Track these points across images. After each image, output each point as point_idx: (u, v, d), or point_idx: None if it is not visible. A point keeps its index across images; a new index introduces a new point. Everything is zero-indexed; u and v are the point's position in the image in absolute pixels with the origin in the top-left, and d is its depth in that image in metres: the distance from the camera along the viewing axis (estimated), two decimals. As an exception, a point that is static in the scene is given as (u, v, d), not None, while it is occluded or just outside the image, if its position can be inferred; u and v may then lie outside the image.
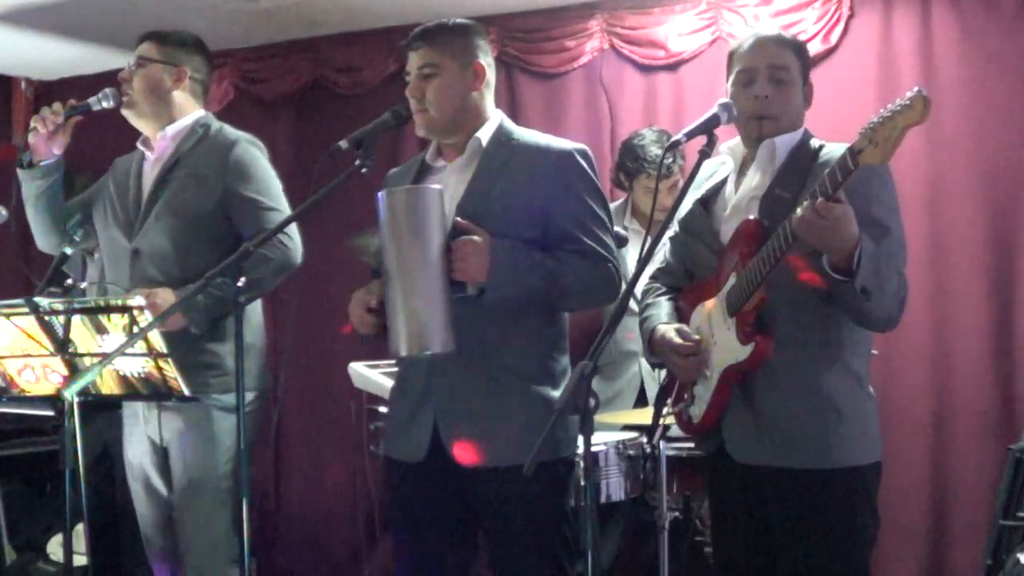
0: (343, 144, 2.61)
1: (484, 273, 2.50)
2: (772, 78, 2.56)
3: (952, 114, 4.01)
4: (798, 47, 2.63)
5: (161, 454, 3.16)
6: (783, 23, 4.24)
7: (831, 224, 2.24)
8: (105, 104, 3.19)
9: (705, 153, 2.46)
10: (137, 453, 3.21)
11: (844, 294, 2.35)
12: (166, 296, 2.94)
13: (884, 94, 4.17)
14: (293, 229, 3.06)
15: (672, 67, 4.55)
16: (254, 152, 3.17)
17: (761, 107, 2.55)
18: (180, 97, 3.23)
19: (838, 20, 4.24)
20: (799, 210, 2.28)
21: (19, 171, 3.25)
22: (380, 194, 2.54)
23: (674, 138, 2.52)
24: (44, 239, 3.39)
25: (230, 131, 3.22)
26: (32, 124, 3.19)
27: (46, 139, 3.19)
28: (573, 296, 2.63)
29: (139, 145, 3.27)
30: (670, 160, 3.95)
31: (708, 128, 2.49)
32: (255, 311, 3.23)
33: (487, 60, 2.71)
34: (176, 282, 3.03)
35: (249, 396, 3.11)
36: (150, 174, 3.21)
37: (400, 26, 4.86)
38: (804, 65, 2.61)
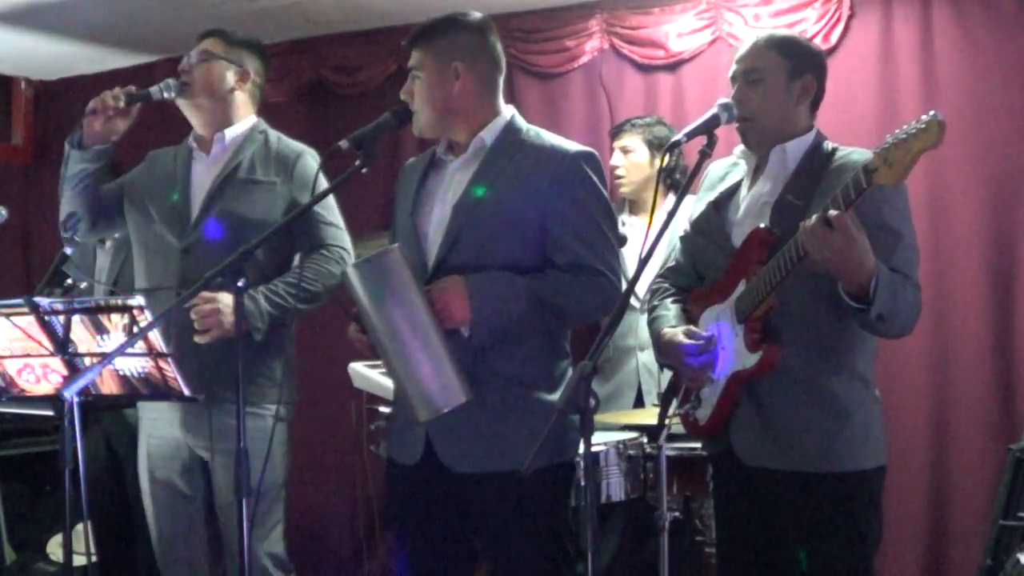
0: (343, 144, 2.60)
1: (467, 313, 2.49)
2: (747, 80, 2.58)
3: (952, 114, 4.00)
4: (785, 45, 2.60)
5: (195, 461, 3.09)
6: (783, 23, 4.24)
7: (840, 239, 2.24)
8: (167, 95, 3.09)
9: (705, 153, 2.46)
10: (161, 458, 3.13)
11: (861, 320, 2.37)
12: (226, 300, 2.87)
13: (884, 94, 4.17)
14: (350, 244, 3.08)
15: (672, 67, 4.55)
16: (316, 166, 3.10)
17: (737, 111, 2.56)
18: (240, 99, 3.17)
19: (838, 20, 4.24)
20: (807, 223, 2.28)
21: (67, 148, 3.14)
22: (346, 271, 2.51)
23: (674, 138, 2.53)
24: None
25: (290, 142, 3.19)
26: (91, 106, 3.07)
27: (102, 123, 3.07)
28: (565, 315, 2.60)
29: (192, 142, 3.19)
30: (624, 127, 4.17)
31: (708, 128, 2.50)
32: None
33: (473, 59, 2.63)
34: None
35: (291, 407, 3.12)
36: (205, 175, 3.14)
37: (400, 26, 4.87)
38: (792, 63, 2.57)
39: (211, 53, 3.14)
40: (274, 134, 3.20)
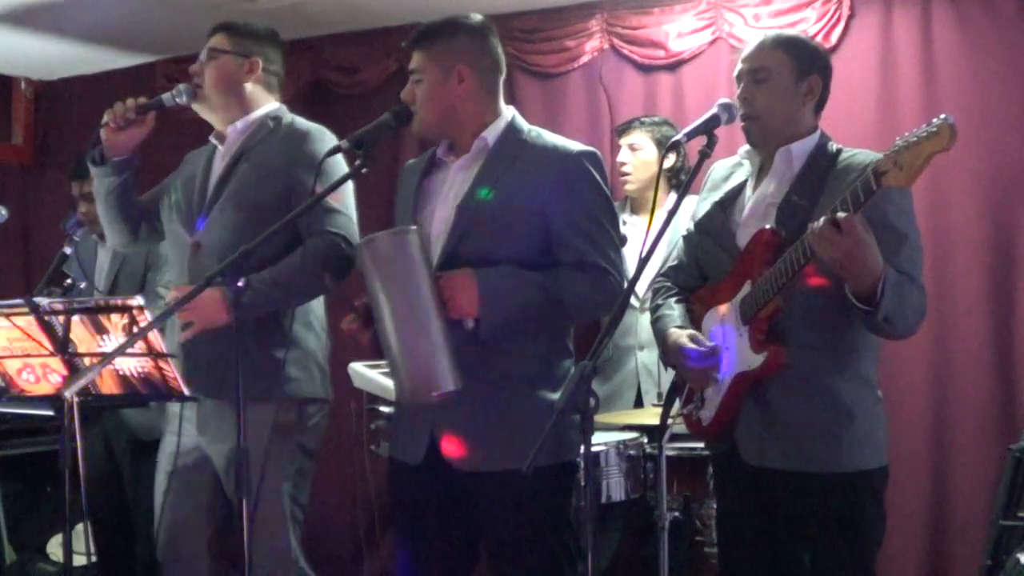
0: (343, 144, 2.62)
1: (475, 306, 2.49)
2: (753, 79, 2.58)
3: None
4: (792, 45, 2.60)
5: (204, 459, 3.04)
6: (783, 23, 4.24)
7: (849, 241, 2.24)
8: (179, 100, 3.06)
9: (705, 153, 2.47)
10: (173, 456, 3.07)
11: (867, 322, 2.37)
12: (211, 295, 2.81)
13: (884, 94, 4.17)
14: (354, 232, 2.97)
15: (672, 67, 4.55)
16: (326, 145, 2.98)
17: (743, 110, 2.56)
18: (252, 89, 3.12)
19: (838, 20, 4.24)
20: (816, 225, 2.28)
21: (90, 167, 3.15)
22: (361, 244, 2.53)
23: (674, 138, 2.53)
24: (114, 236, 3.26)
25: (302, 123, 3.11)
26: (104, 119, 3.06)
27: (115, 134, 3.06)
28: (570, 311, 2.61)
29: (212, 139, 3.16)
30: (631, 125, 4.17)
31: (708, 128, 2.49)
32: (317, 315, 3.12)
33: (476, 61, 2.65)
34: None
35: (314, 406, 3.08)
36: (218, 167, 3.11)
37: (400, 26, 4.86)
38: (799, 63, 2.58)
39: (217, 50, 3.11)
40: (288, 117, 3.13)
